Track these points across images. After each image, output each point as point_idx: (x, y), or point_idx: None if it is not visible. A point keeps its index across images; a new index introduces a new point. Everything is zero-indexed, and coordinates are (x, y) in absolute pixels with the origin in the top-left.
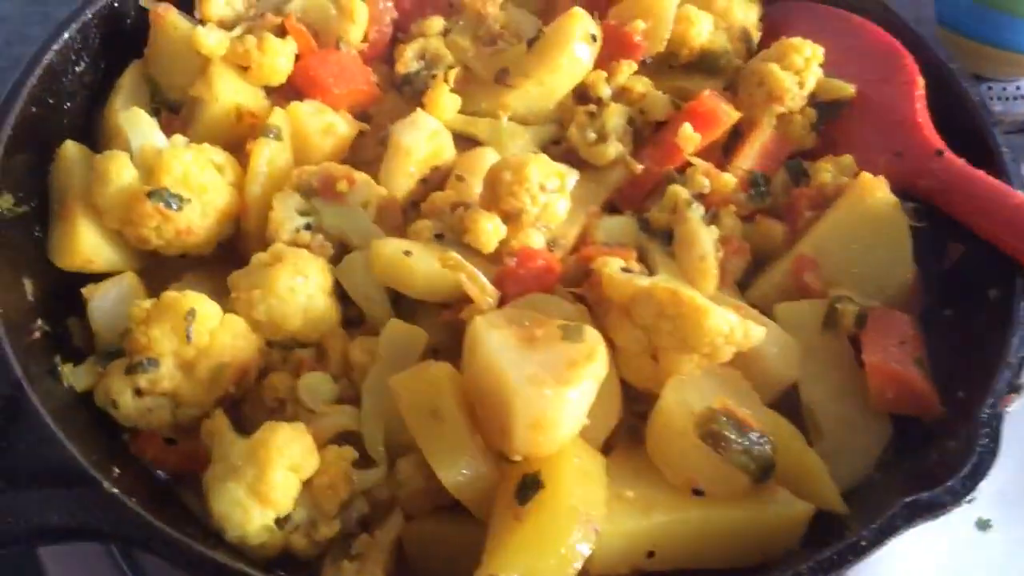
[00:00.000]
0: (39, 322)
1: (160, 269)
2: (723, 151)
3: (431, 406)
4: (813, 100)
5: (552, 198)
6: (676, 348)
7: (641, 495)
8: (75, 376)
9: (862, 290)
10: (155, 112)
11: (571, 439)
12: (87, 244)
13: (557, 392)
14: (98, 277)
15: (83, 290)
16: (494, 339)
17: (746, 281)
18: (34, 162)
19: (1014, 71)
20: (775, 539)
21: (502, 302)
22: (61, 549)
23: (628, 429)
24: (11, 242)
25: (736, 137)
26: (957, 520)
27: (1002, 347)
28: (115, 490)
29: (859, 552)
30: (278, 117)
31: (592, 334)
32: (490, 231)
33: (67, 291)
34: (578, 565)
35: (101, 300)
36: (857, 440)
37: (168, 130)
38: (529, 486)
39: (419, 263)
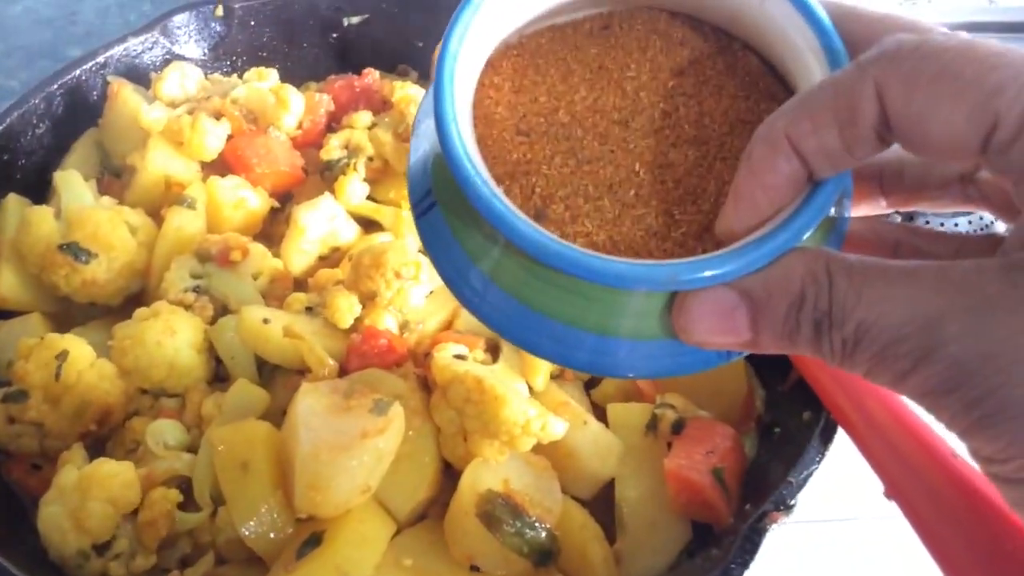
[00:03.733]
0: None
1: (71, 314)
2: None
3: (242, 459)
4: None
5: (406, 285)
6: (480, 432)
7: (418, 565)
8: None
9: (695, 400)
10: (100, 175)
11: (361, 504)
12: (5, 284)
13: (333, 458)
14: (13, 315)
15: None
16: (305, 403)
17: (597, 380)
18: None
19: None
20: None
21: (346, 374)
22: None
23: (444, 504)
24: None
25: None
26: None
27: (787, 466)
28: None
29: None
30: (195, 189)
31: (395, 411)
32: (345, 309)
33: None
34: None
35: (6, 334)
36: (656, 540)
37: (109, 192)
38: (310, 543)
39: (273, 331)
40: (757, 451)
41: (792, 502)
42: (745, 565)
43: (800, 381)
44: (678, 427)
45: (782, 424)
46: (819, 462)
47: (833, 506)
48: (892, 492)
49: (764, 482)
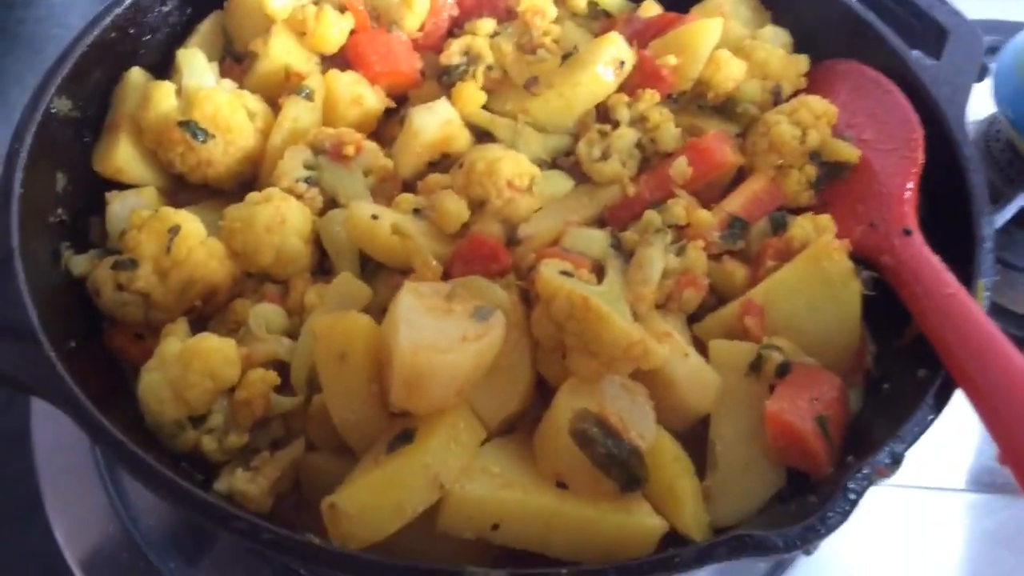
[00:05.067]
0: (59, 211)
1: (184, 192)
2: (723, 194)
3: (341, 350)
4: (818, 159)
5: (518, 196)
6: (579, 350)
7: (506, 474)
8: (73, 262)
9: (803, 346)
10: (222, 59)
11: (454, 407)
12: (123, 155)
13: (432, 358)
14: (127, 189)
15: (107, 194)
16: (407, 300)
17: (701, 315)
18: (102, 79)
19: None
20: (622, 545)
21: (448, 279)
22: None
23: (534, 420)
24: (57, 138)
25: (740, 182)
26: None
27: (899, 422)
28: (52, 353)
29: (669, 568)
30: (313, 81)
31: (497, 319)
32: (453, 213)
33: (96, 194)
34: (410, 515)
35: (120, 205)
36: (747, 482)
37: (229, 76)
38: (401, 438)
39: (381, 228)
40: (862, 407)
41: (901, 457)
42: (844, 516)
43: (918, 338)
44: (783, 370)
45: (893, 381)
46: (931, 422)
47: (931, 473)
48: (1008, 458)
49: (867, 438)
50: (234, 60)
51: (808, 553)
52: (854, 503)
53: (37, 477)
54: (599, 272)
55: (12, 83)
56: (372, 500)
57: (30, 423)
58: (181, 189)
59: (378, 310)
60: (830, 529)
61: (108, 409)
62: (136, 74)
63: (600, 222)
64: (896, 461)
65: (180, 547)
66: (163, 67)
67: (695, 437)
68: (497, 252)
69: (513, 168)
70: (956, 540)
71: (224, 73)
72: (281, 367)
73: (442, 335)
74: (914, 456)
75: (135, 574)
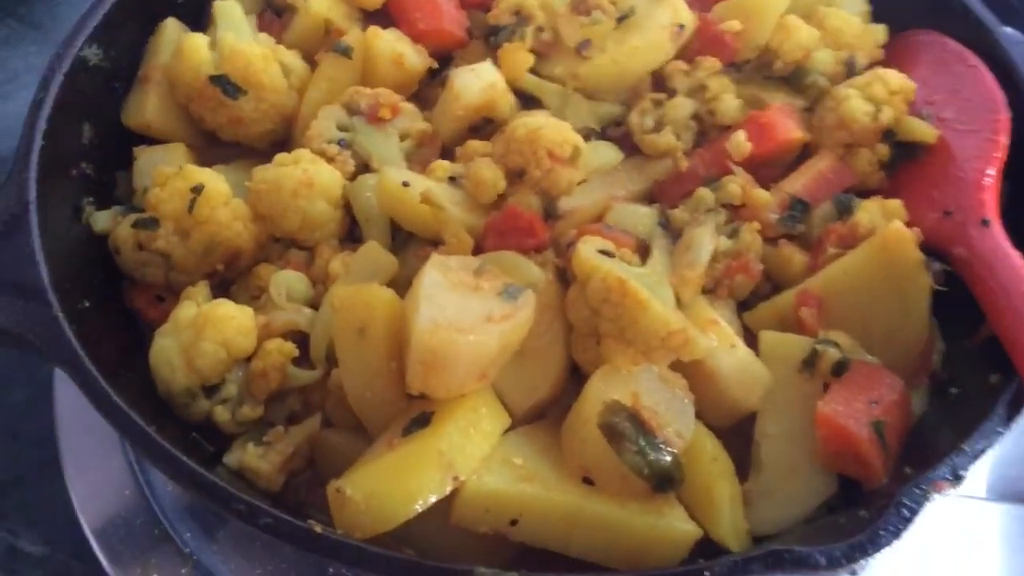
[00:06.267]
0: (83, 164)
1: (217, 149)
2: (785, 172)
3: (360, 323)
4: (891, 138)
5: (559, 167)
6: (614, 337)
7: (528, 465)
8: (95, 218)
9: (864, 342)
10: (262, 11)
11: (477, 392)
12: (152, 108)
13: (451, 338)
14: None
15: (136, 148)
16: (431, 275)
17: (753, 303)
18: (137, 29)
19: None
20: (650, 550)
21: (480, 252)
22: (82, 457)
23: (567, 407)
24: (85, 87)
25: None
26: None
27: (965, 433)
28: (61, 313)
29: None
30: (353, 37)
31: (526, 299)
32: (488, 182)
33: (125, 148)
34: (420, 505)
35: (147, 160)
36: (793, 487)
37: (268, 30)
38: (418, 422)
39: (411, 196)
40: (926, 409)
41: (963, 473)
42: (896, 534)
43: (991, 339)
44: (840, 369)
45: (961, 384)
46: (1000, 436)
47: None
48: None
49: (930, 445)
50: (274, 14)
51: (853, 573)
52: (908, 520)
53: (57, 437)
54: (644, 252)
55: None
56: (381, 487)
57: (53, 382)
58: (213, 146)
59: (405, 282)
60: (879, 548)
61: (121, 374)
62: (172, 25)
63: (649, 198)
64: (957, 477)
65: (197, 516)
66: (200, 17)
67: (738, 435)
68: (533, 226)
69: (555, 137)
70: (976, 548)
71: (263, 27)
72: (302, 338)
73: (465, 314)
74: None
75: (148, 541)
